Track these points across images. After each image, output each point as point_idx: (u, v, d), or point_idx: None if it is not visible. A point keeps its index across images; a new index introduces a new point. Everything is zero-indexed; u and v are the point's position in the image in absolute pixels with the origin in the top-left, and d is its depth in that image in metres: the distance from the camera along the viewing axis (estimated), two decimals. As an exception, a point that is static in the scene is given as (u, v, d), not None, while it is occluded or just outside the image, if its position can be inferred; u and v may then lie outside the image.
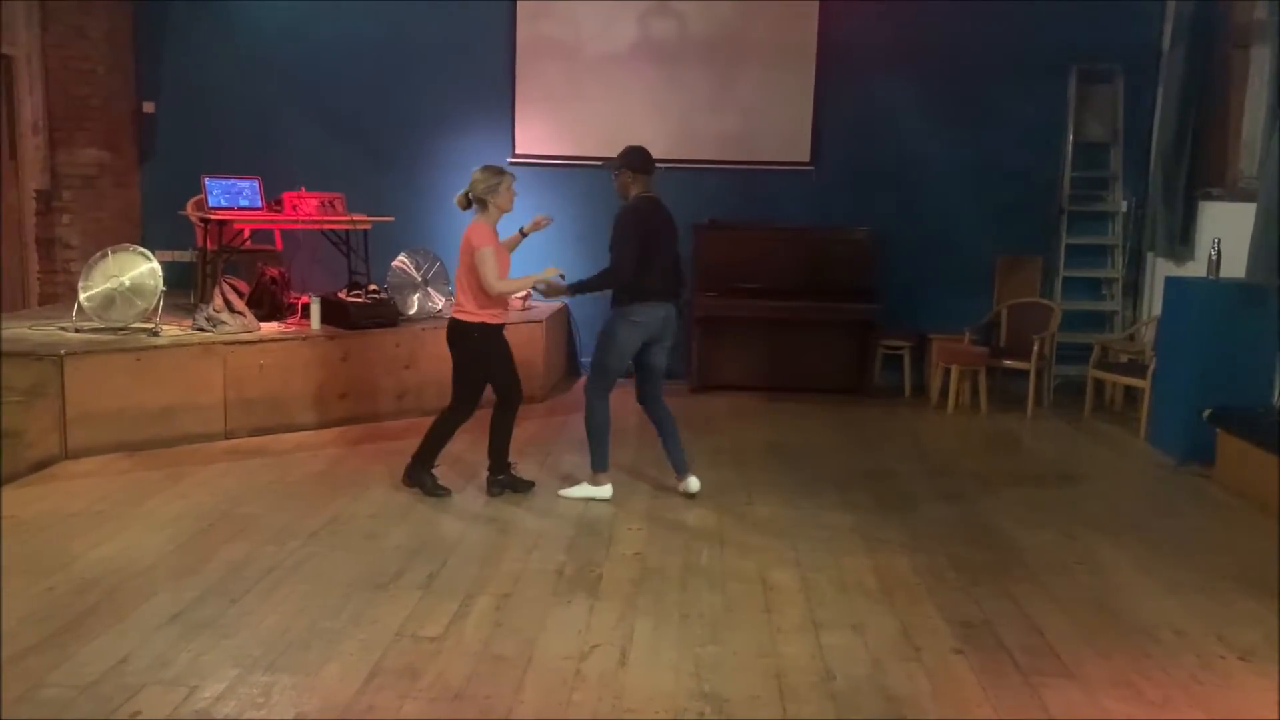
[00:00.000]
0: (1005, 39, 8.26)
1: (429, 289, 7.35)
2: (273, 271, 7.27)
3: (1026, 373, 7.74)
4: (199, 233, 7.33)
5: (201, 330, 6.42)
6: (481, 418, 5.44)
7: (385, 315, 6.97)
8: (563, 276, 5.28)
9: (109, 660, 3.50)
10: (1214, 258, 6.54)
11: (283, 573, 4.30)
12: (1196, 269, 7.22)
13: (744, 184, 8.49)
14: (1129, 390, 7.73)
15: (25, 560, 4.35)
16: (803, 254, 8.20)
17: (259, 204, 7.05)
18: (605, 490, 5.40)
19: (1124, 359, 7.93)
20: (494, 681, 3.44)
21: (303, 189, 7.18)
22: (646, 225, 5.24)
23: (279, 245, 7.88)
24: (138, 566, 4.31)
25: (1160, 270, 8.00)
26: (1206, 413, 6.08)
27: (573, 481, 5.52)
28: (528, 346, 7.33)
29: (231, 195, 6.97)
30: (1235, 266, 6.45)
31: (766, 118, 8.45)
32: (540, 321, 7.65)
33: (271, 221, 7.21)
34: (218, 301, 6.57)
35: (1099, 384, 7.81)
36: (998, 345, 8.15)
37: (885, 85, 8.38)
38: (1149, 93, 8.25)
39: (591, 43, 8.47)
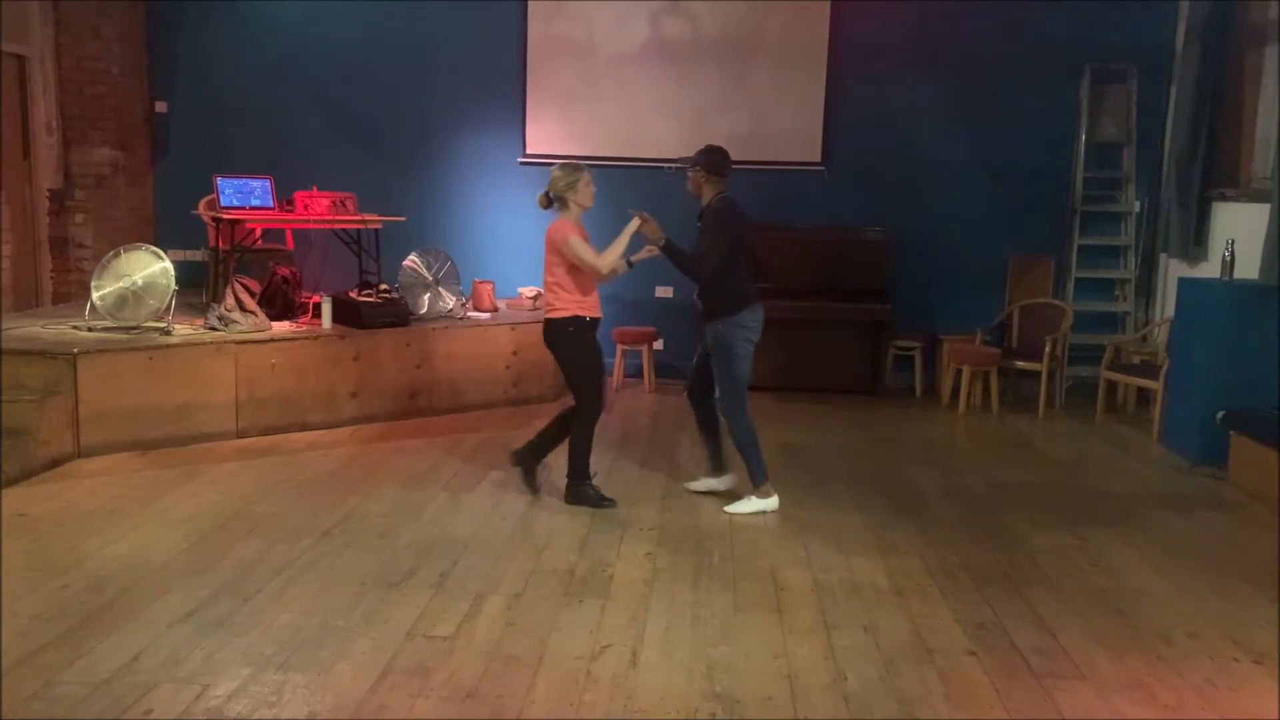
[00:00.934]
0: (1018, 38, 8.24)
1: (440, 289, 7.35)
2: (284, 271, 7.28)
3: (1038, 374, 7.71)
4: (211, 232, 7.35)
5: (213, 329, 6.44)
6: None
7: (396, 315, 6.98)
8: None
9: (122, 658, 3.50)
10: (1227, 259, 6.51)
11: (295, 571, 4.31)
12: (1210, 270, 7.19)
13: (756, 184, 8.45)
14: (1142, 392, 7.70)
15: (39, 558, 4.37)
16: (814, 254, 8.19)
17: (271, 203, 7.06)
18: (773, 501, 5.29)
19: (1137, 360, 7.90)
20: (506, 681, 3.44)
21: (314, 188, 7.20)
22: (741, 226, 5.26)
23: (290, 245, 7.90)
24: (151, 565, 4.33)
25: (1173, 271, 7.97)
26: (1220, 414, 6.05)
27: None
28: (538, 347, 7.30)
29: (244, 195, 6.99)
30: (1249, 267, 6.42)
31: (778, 118, 8.44)
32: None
33: (283, 221, 7.23)
34: (229, 301, 6.59)
35: (1111, 385, 7.78)
36: (1009, 346, 8.13)
37: (897, 85, 8.37)
38: (1162, 93, 8.21)
39: (603, 42, 8.47)
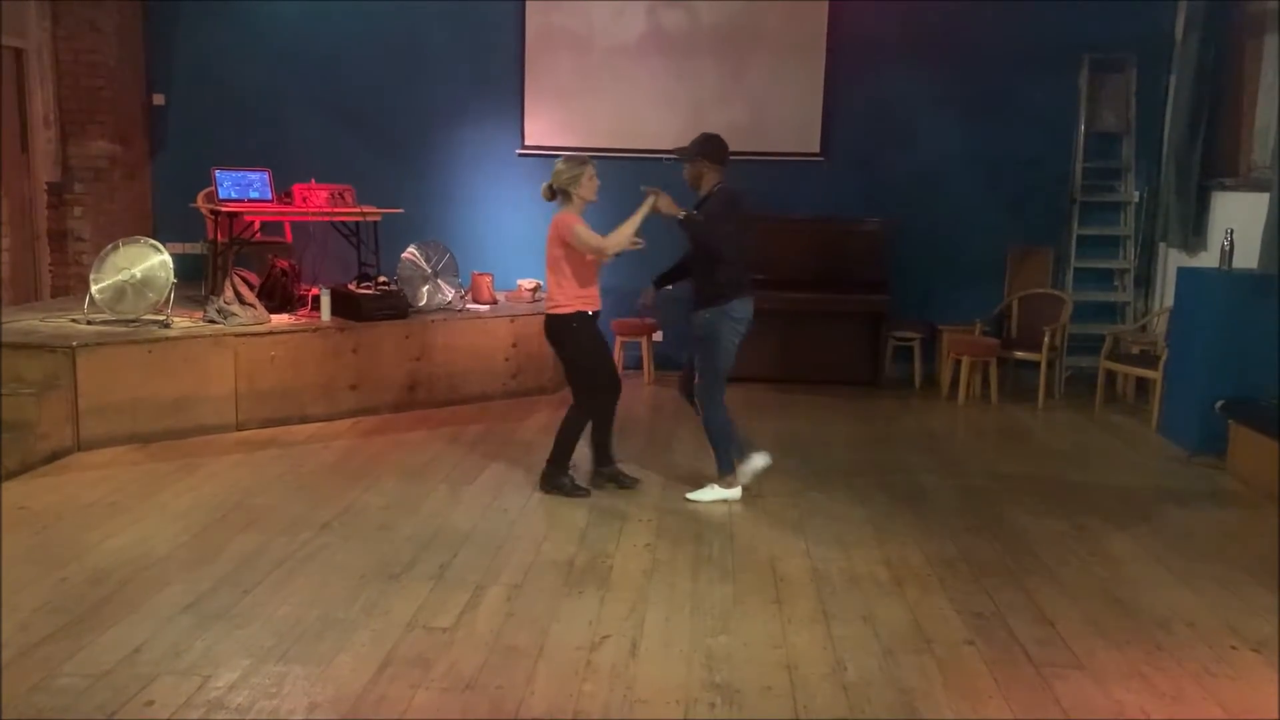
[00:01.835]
0: (1017, 28, 8.22)
1: (439, 281, 7.35)
2: (283, 263, 7.28)
3: (1038, 364, 7.71)
4: (209, 225, 7.34)
5: (212, 322, 6.43)
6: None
7: (395, 307, 6.98)
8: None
9: (122, 650, 3.51)
10: (1226, 248, 6.50)
11: (295, 563, 4.31)
12: (1209, 259, 7.19)
13: (754, 175, 8.42)
14: (1141, 381, 7.70)
15: (39, 551, 4.38)
16: (813, 245, 8.19)
17: (269, 196, 7.05)
18: (736, 491, 5.30)
19: (1136, 350, 7.90)
20: (506, 672, 3.45)
21: (313, 181, 7.18)
22: (741, 214, 5.24)
23: (289, 237, 7.90)
24: (151, 557, 4.33)
25: (1172, 261, 7.96)
26: (1219, 404, 6.06)
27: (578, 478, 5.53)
28: (537, 339, 7.29)
29: (242, 187, 6.98)
30: (1248, 257, 6.41)
31: (777, 109, 8.43)
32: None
33: (282, 213, 7.21)
34: (228, 293, 6.59)
35: (1111, 375, 7.78)
36: (1009, 336, 8.13)
37: (896, 76, 8.35)
38: (1161, 82, 8.20)
39: (601, 35, 8.46)
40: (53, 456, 5.63)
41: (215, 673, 3.38)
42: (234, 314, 6.49)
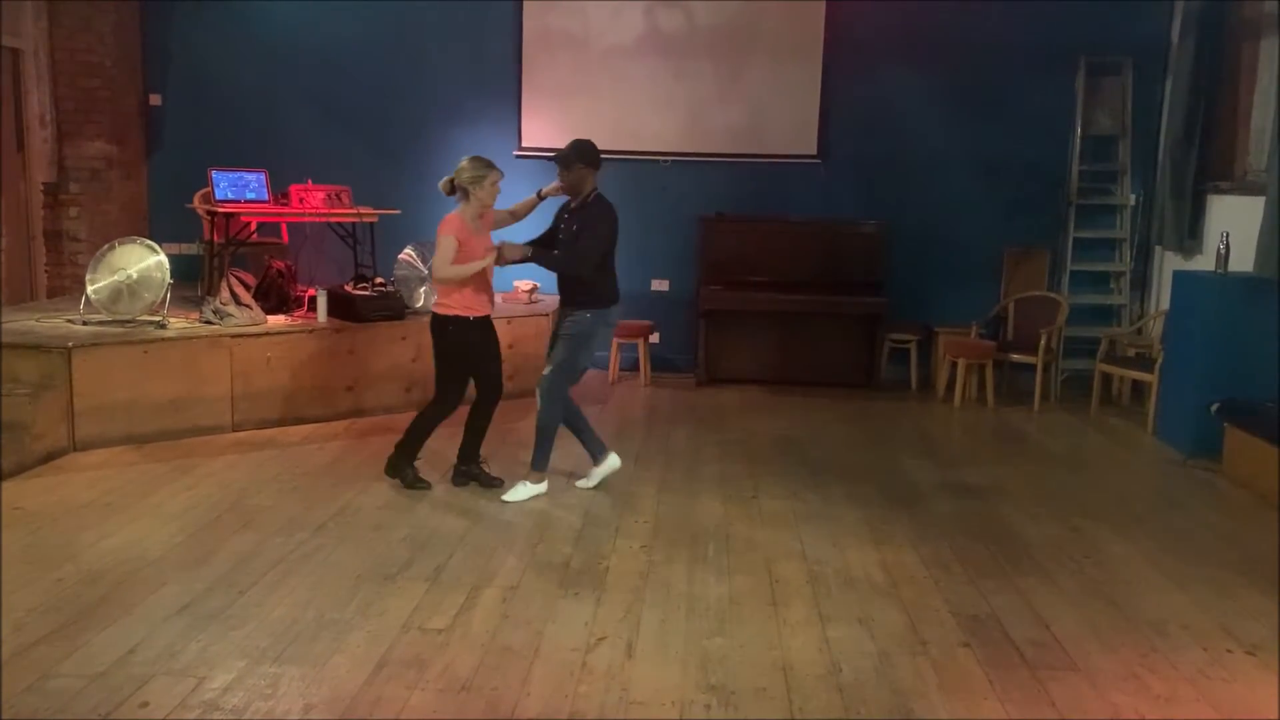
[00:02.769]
0: (1014, 31, 8.23)
1: (435, 282, 7.34)
2: (279, 264, 7.27)
3: (1034, 366, 7.72)
4: (206, 225, 7.33)
5: (208, 323, 6.43)
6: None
7: (392, 308, 6.98)
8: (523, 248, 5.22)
9: (118, 651, 3.51)
10: (1222, 251, 6.52)
11: (290, 564, 4.31)
12: (1205, 262, 7.20)
13: (751, 177, 8.48)
14: (1137, 384, 7.71)
15: (34, 551, 4.37)
16: (810, 247, 8.20)
17: (266, 197, 7.05)
18: (544, 486, 5.34)
19: (1132, 353, 7.92)
20: (501, 673, 3.45)
21: (309, 182, 7.18)
22: (614, 227, 5.29)
23: (285, 238, 7.89)
24: (146, 558, 4.33)
25: (1168, 264, 7.97)
26: (1214, 406, 6.07)
27: (579, 475, 5.53)
28: (534, 340, 7.34)
29: (238, 188, 6.97)
30: (1244, 260, 6.43)
31: (774, 110, 8.43)
32: (546, 315, 7.65)
33: (278, 214, 7.20)
34: (224, 294, 6.58)
35: (1106, 378, 7.79)
36: (1005, 339, 8.13)
37: (893, 77, 8.36)
38: (1158, 85, 8.22)
39: (598, 36, 8.46)
40: (48, 457, 5.62)
41: (210, 674, 3.38)
42: (230, 315, 6.48)
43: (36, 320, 6.45)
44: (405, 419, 6.73)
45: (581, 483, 5.47)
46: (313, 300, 6.86)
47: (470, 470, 5.46)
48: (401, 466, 5.39)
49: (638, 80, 8.47)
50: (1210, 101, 7.52)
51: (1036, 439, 6.97)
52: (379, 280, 7.12)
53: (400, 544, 4.59)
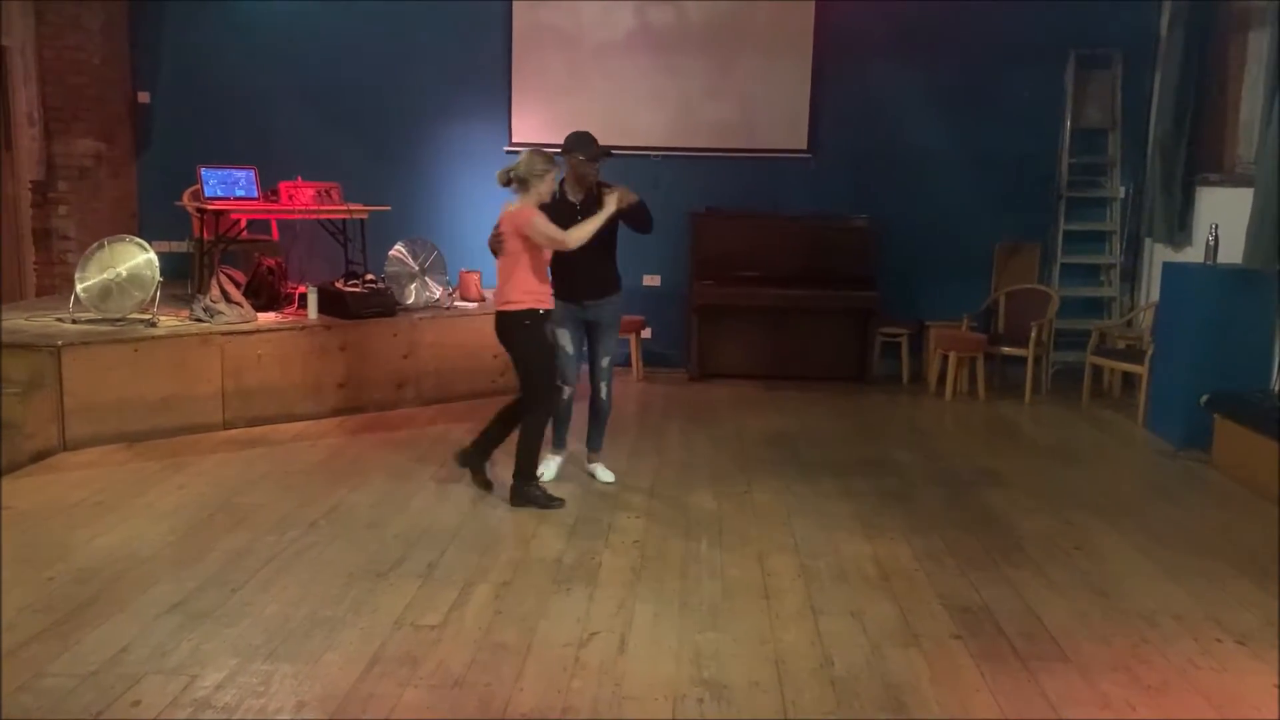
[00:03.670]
0: (1003, 24, 8.24)
1: (426, 278, 7.34)
2: (270, 261, 7.25)
3: (1024, 359, 7.74)
4: (195, 223, 7.31)
5: (199, 321, 6.41)
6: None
7: (383, 305, 6.96)
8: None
9: (109, 649, 3.50)
10: (1212, 243, 6.54)
11: (283, 562, 4.30)
12: (1194, 254, 7.21)
13: (742, 172, 8.48)
14: (1127, 376, 7.73)
15: (26, 550, 4.35)
16: (801, 242, 8.20)
17: (255, 194, 7.02)
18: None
19: (1122, 345, 7.94)
20: (494, 669, 3.45)
21: (299, 178, 7.16)
22: None
23: (275, 235, 7.87)
24: (138, 556, 4.32)
25: (1158, 256, 8.00)
26: (1204, 398, 6.09)
27: (579, 474, 5.55)
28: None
29: (228, 185, 6.95)
30: (1233, 251, 6.45)
31: (764, 105, 8.43)
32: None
33: (268, 211, 7.19)
34: (215, 292, 6.56)
35: (1097, 370, 7.81)
36: (996, 332, 8.15)
37: (883, 72, 8.37)
38: (1147, 78, 8.24)
39: (589, 31, 8.45)
40: (38, 456, 5.60)
41: (202, 672, 3.37)
42: (220, 312, 6.47)
43: (26, 319, 6.42)
44: (397, 415, 6.79)
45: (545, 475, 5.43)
46: (303, 297, 6.85)
47: (474, 463, 5.33)
48: (528, 493, 5.10)
49: (628, 76, 8.46)
50: (1199, 94, 7.53)
51: (1028, 431, 6.99)
52: (370, 277, 7.10)
53: (393, 541, 4.58)
